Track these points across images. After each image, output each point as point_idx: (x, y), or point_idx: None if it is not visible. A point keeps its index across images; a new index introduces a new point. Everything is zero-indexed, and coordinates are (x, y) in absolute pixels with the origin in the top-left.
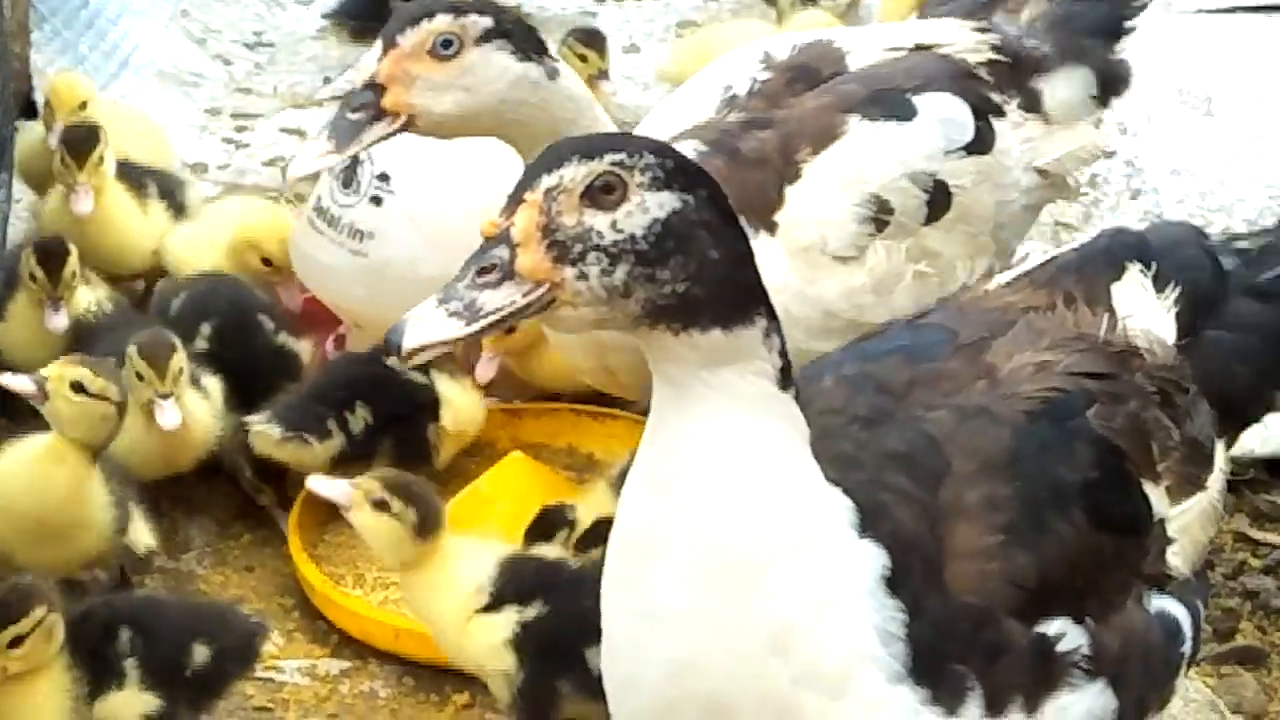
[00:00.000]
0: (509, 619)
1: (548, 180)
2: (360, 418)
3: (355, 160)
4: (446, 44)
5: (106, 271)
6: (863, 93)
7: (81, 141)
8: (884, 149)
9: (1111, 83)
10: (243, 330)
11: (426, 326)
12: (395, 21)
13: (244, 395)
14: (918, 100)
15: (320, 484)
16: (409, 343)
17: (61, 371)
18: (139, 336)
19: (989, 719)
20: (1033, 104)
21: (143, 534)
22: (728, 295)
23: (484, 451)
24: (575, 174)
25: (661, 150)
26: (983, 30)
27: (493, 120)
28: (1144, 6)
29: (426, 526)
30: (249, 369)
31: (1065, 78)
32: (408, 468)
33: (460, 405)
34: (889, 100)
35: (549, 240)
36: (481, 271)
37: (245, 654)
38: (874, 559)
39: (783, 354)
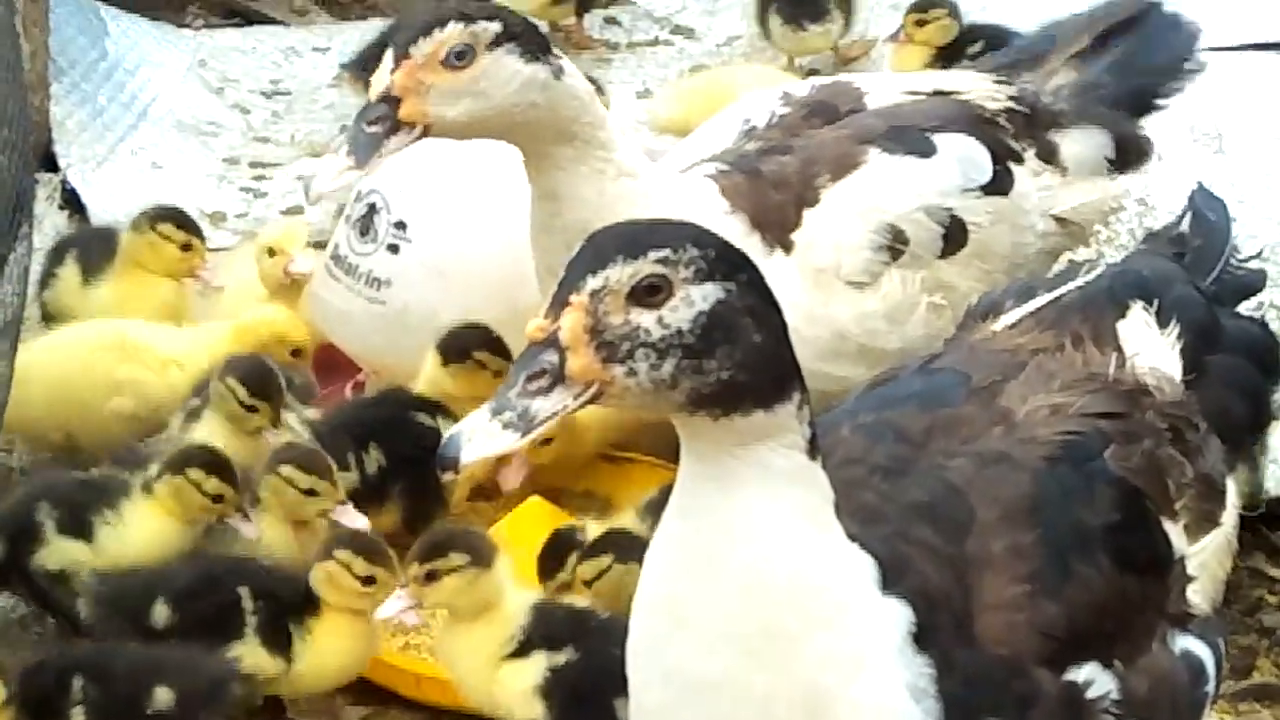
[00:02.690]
0: (538, 665)
1: (593, 282)
2: (374, 459)
3: (372, 209)
4: (460, 54)
5: None
6: (882, 127)
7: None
8: (902, 181)
9: (1130, 153)
10: None
11: (483, 441)
12: (406, 33)
13: None
14: (937, 139)
15: (388, 609)
16: (466, 458)
17: None
18: None
19: None
20: (1049, 155)
21: None
22: (770, 377)
23: (502, 496)
24: (621, 275)
25: (702, 239)
26: (1001, 82)
27: (503, 122)
28: (1180, 89)
29: (483, 558)
30: None
31: (1082, 136)
32: (421, 512)
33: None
34: (908, 136)
35: (597, 342)
36: (531, 378)
37: (215, 696)
38: (900, 616)
39: (812, 423)
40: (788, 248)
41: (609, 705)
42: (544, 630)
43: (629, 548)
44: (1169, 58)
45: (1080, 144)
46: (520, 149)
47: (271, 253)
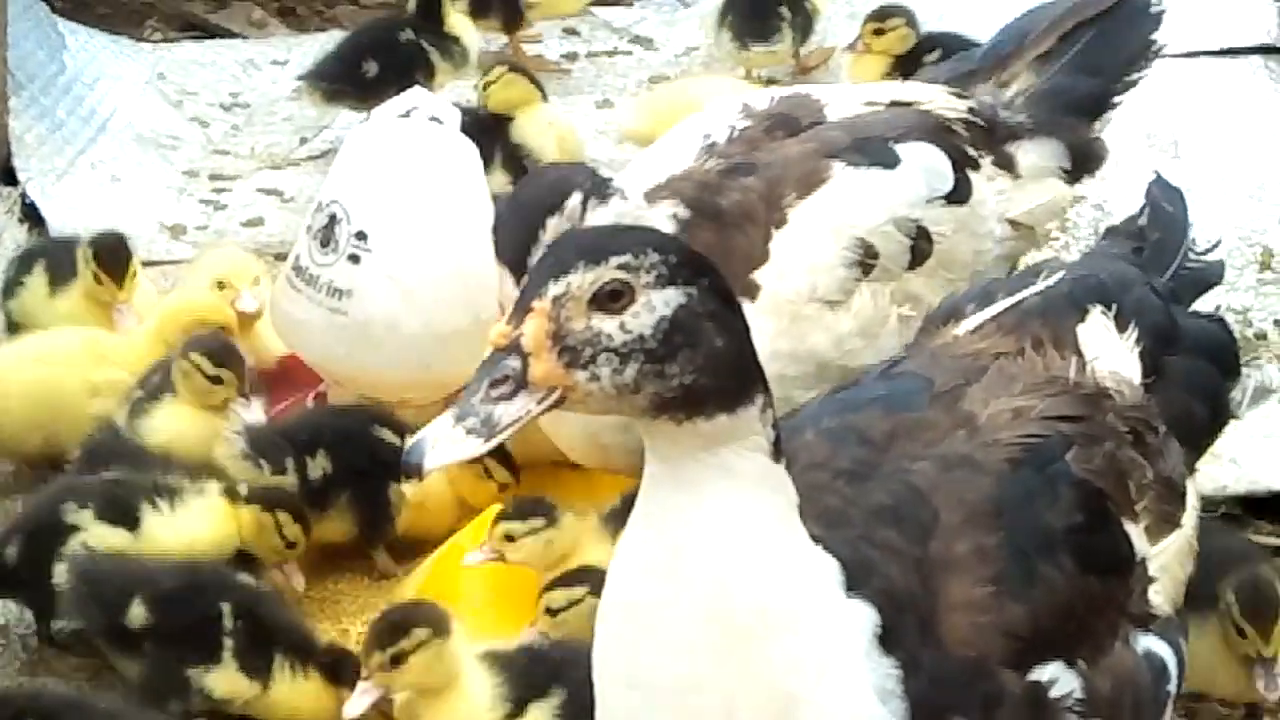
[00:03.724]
0: (545, 715)
1: (554, 288)
2: (319, 465)
3: (333, 219)
4: None
5: None
6: (846, 140)
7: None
8: (869, 195)
9: (1084, 160)
10: None
11: (446, 447)
12: None
13: None
14: (900, 149)
15: (355, 706)
16: (430, 464)
17: None
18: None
19: None
20: (1006, 165)
21: None
22: (733, 380)
23: (465, 505)
24: (582, 281)
25: (664, 245)
26: (958, 96)
27: None
28: (1134, 84)
29: (442, 626)
30: None
31: (1037, 147)
32: (365, 527)
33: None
34: (872, 148)
35: (559, 347)
36: (495, 384)
37: None
38: (865, 618)
39: (775, 426)
40: (753, 294)
41: None
42: (524, 681)
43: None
44: (1132, 46)
45: (1036, 155)
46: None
47: (221, 285)
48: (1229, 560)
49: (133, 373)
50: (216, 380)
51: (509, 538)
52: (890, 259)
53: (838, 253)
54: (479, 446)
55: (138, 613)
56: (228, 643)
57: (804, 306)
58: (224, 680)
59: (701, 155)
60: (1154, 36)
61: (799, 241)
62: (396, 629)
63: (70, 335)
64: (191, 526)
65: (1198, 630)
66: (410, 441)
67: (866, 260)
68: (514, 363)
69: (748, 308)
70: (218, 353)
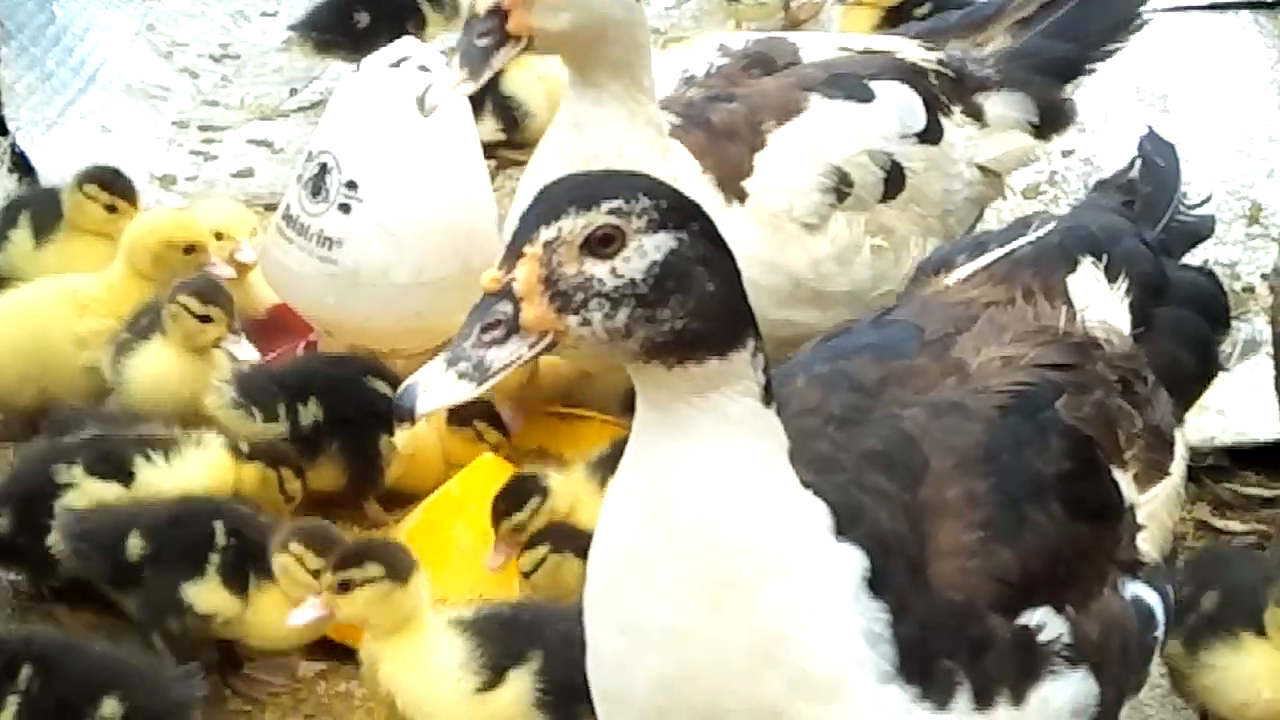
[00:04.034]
0: (524, 683)
1: (546, 233)
2: (311, 412)
3: (323, 169)
4: None
5: None
6: (821, 75)
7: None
8: (845, 125)
9: (1053, 117)
10: None
11: (438, 391)
12: None
13: None
14: (875, 85)
15: (299, 617)
16: (422, 408)
17: None
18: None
19: (978, 712)
20: (974, 114)
21: None
22: (724, 325)
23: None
24: (574, 226)
25: (654, 190)
26: (929, 48)
27: (592, 37)
28: (1110, 54)
29: (399, 572)
30: None
31: (1005, 99)
32: (355, 477)
33: (420, 430)
34: (847, 83)
35: (551, 292)
36: (486, 328)
37: (165, 719)
38: (855, 562)
39: (766, 369)
40: (742, 198)
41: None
42: (500, 647)
43: (566, 538)
44: (1111, 19)
45: (1004, 106)
46: (577, 72)
47: (219, 236)
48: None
49: (116, 317)
50: (205, 319)
51: (518, 529)
52: (864, 189)
53: (814, 177)
54: (471, 390)
55: (135, 544)
56: (214, 559)
57: (785, 223)
58: (206, 594)
59: (681, 86)
60: (1138, 11)
61: (777, 164)
62: (353, 557)
63: (49, 287)
64: (187, 476)
65: (1239, 645)
66: (402, 386)
67: (841, 188)
68: (505, 307)
69: (735, 211)
70: (205, 292)
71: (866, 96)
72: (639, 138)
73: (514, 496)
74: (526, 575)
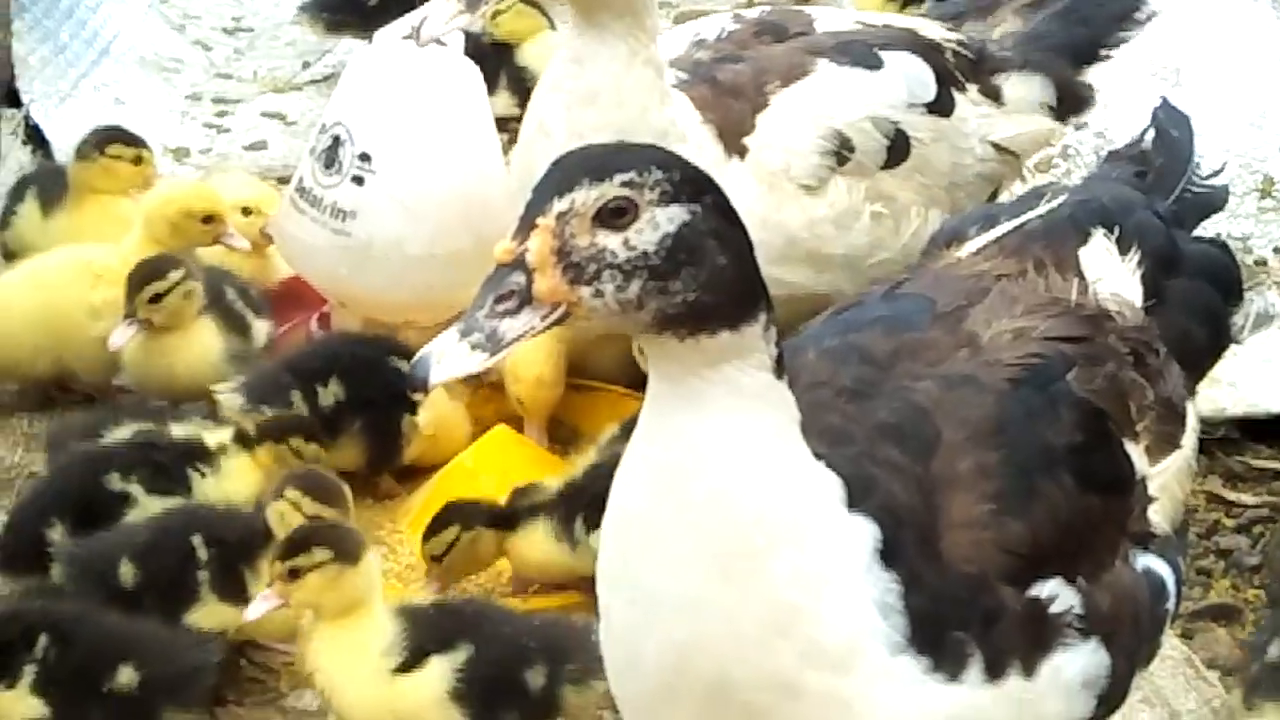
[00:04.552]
0: (441, 670)
1: (559, 204)
2: (331, 393)
3: (337, 141)
4: None
5: None
6: (831, 42)
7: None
8: (850, 90)
9: (1072, 100)
10: None
11: (452, 361)
12: None
13: None
14: (884, 55)
15: (254, 610)
16: (436, 378)
17: None
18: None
19: (989, 684)
20: (991, 95)
21: None
22: (736, 297)
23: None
24: (586, 197)
25: (667, 162)
26: (949, 29)
27: None
28: (1126, 40)
29: (348, 554)
30: None
31: (1024, 81)
32: (374, 456)
33: (444, 411)
34: (857, 50)
35: (564, 263)
36: (500, 299)
37: (181, 686)
38: (867, 533)
39: (778, 343)
40: (742, 153)
41: (520, 681)
42: (427, 633)
43: (472, 514)
44: (1118, 7)
45: (1022, 89)
46: (581, 9)
47: (246, 211)
48: None
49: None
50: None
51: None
52: (865, 155)
53: (814, 140)
54: (484, 361)
55: (127, 571)
56: (203, 577)
57: (782, 182)
58: (207, 618)
59: (691, 49)
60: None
61: (779, 124)
62: (299, 544)
63: (64, 257)
64: (232, 488)
65: None
66: (415, 356)
67: (842, 152)
68: (519, 278)
69: (735, 165)
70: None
71: (875, 64)
72: (638, 78)
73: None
74: (438, 559)
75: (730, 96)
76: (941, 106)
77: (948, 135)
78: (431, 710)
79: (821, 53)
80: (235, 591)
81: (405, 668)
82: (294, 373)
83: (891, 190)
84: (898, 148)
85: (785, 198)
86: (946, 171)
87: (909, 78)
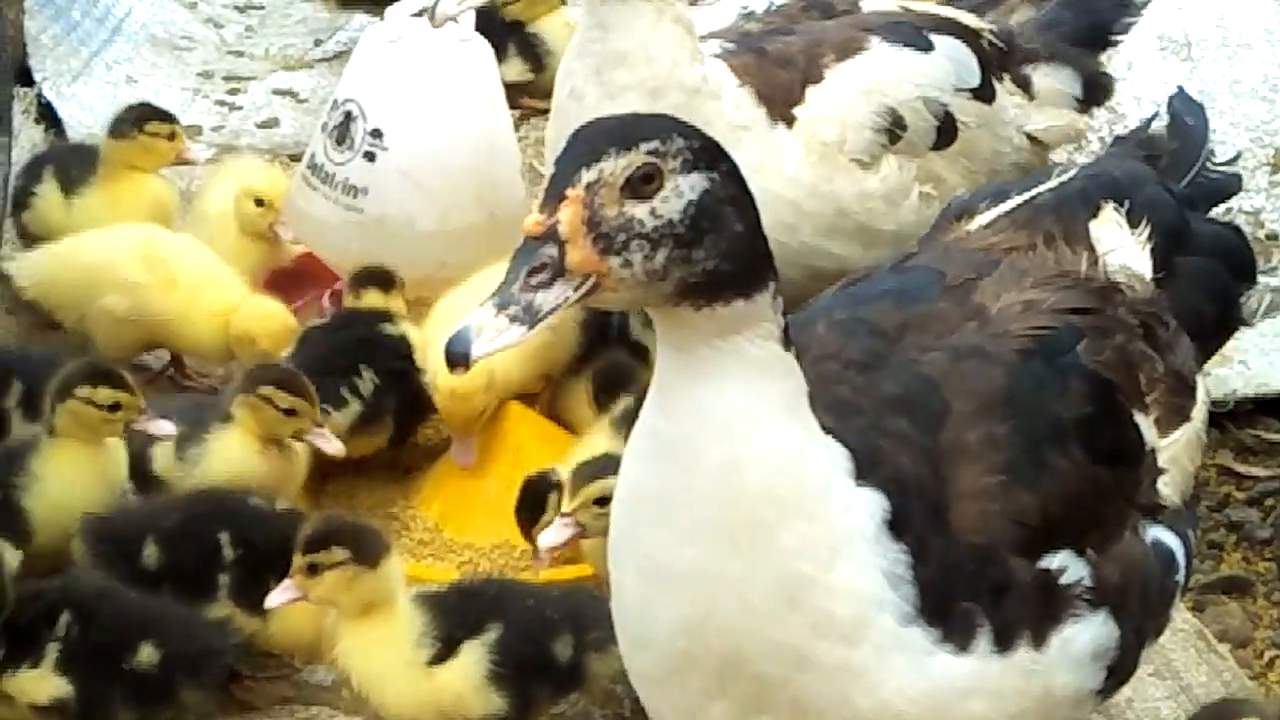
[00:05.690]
0: (477, 655)
1: (588, 175)
2: (368, 379)
3: (349, 117)
4: None
5: None
6: (881, 21)
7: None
8: (903, 70)
9: (1095, 90)
10: None
11: (492, 335)
12: None
13: None
14: (934, 38)
15: (274, 599)
16: (477, 352)
17: None
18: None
19: (998, 654)
20: (1022, 86)
21: None
22: (750, 264)
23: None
24: (615, 167)
25: (686, 130)
26: (981, 18)
27: None
28: (1133, 23)
29: (368, 556)
30: None
31: (1052, 72)
32: (409, 422)
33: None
34: (907, 31)
35: (594, 234)
36: (533, 271)
37: (200, 665)
38: (875, 504)
39: (785, 314)
40: (790, 122)
41: (550, 654)
42: (454, 620)
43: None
44: None
45: (1052, 79)
46: None
47: (259, 201)
48: None
49: (168, 281)
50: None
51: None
52: (917, 134)
53: (868, 115)
54: (523, 334)
55: (151, 552)
56: (223, 579)
57: (835, 154)
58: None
59: (739, 21)
60: None
61: (833, 97)
62: (319, 541)
63: (132, 230)
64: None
65: None
66: (453, 331)
67: (895, 129)
68: (551, 250)
69: (781, 132)
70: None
71: (926, 46)
72: (666, 35)
73: (532, 502)
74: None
75: (778, 66)
76: (985, 93)
77: (990, 122)
78: (473, 697)
79: (874, 30)
80: (254, 602)
81: (440, 658)
82: (332, 373)
83: (941, 171)
84: (946, 130)
85: (837, 169)
86: (989, 158)
87: (957, 63)
